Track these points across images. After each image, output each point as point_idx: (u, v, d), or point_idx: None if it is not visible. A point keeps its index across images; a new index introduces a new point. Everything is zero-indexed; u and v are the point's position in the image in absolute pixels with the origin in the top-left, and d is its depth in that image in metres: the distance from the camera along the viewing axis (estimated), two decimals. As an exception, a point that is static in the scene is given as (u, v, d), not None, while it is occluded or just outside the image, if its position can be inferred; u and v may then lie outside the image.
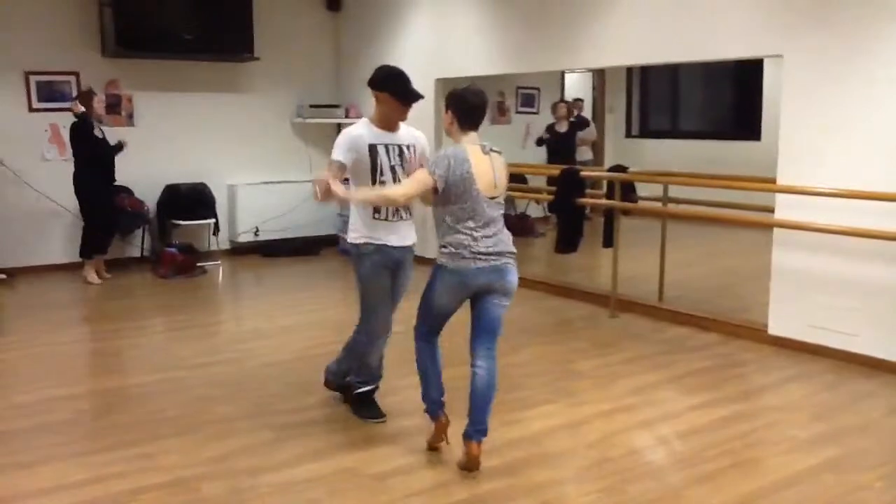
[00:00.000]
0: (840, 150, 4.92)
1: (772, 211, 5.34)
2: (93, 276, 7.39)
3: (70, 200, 7.68)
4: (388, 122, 3.90)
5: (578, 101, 10.62)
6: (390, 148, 3.89)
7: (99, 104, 7.24)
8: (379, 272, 3.94)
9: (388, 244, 3.93)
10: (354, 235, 3.96)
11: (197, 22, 8.17)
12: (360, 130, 3.88)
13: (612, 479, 3.46)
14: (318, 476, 3.49)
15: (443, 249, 3.54)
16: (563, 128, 9.51)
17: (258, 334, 5.82)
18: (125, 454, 3.70)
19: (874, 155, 4.76)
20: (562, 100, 10.04)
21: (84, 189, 7.26)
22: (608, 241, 6.32)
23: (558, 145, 9.38)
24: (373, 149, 3.85)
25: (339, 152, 3.83)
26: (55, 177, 7.68)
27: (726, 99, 11.36)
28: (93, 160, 7.15)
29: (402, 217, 3.97)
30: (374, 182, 3.85)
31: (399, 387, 4.53)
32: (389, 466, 3.58)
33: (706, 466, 3.57)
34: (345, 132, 3.90)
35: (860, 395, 4.48)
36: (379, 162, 3.86)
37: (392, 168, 3.88)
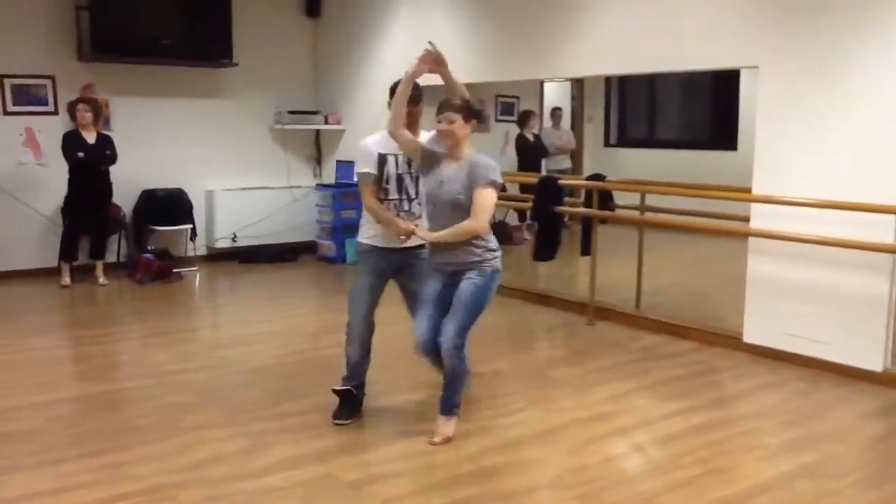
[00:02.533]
0: (814, 160, 4.97)
1: (747, 220, 5.38)
2: (64, 280, 7.37)
3: (44, 205, 7.67)
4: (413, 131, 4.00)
5: (558, 109, 10.66)
6: (399, 158, 4.01)
7: (82, 113, 7.21)
8: (366, 271, 4.10)
9: (386, 246, 4.04)
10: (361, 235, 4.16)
11: (175, 27, 8.14)
12: (373, 140, 4.06)
13: (588, 486, 3.47)
14: (294, 483, 3.46)
15: (493, 252, 3.80)
16: (531, 137, 9.68)
17: (235, 341, 5.79)
18: (98, 462, 3.66)
19: (848, 165, 4.82)
20: (531, 110, 10.11)
21: (66, 194, 7.42)
22: (586, 249, 6.34)
23: (529, 154, 9.56)
24: (382, 158, 4.01)
25: (364, 165, 4.02)
26: (30, 181, 7.65)
27: (703, 109, 11.45)
28: (72, 169, 7.26)
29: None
30: (379, 189, 4.02)
31: (370, 394, 4.53)
32: (366, 474, 3.57)
33: (681, 473, 3.59)
34: (365, 143, 4.08)
35: (833, 401, 4.52)
36: (386, 171, 4.01)
37: (399, 177, 4.03)
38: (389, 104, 3.89)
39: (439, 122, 3.73)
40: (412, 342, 3.92)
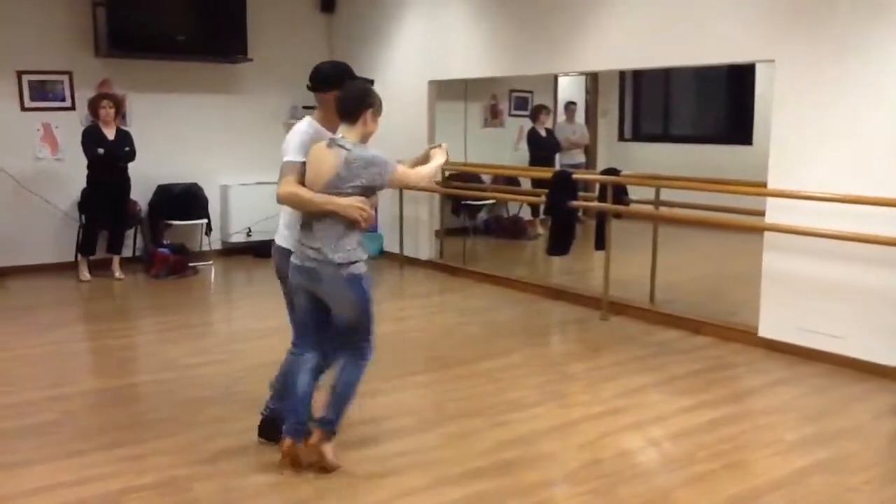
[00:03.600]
0: (830, 154, 4.94)
1: (762, 215, 5.36)
2: (83, 274, 7.43)
3: (61, 200, 7.73)
4: (334, 122, 3.53)
5: (572, 104, 10.63)
6: None
7: (105, 109, 7.27)
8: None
9: None
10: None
11: (191, 23, 8.17)
12: (310, 130, 3.54)
13: (602, 480, 3.47)
14: (309, 477, 3.47)
15: (361, 254, 3.45)
16: (543, 132, 9.66)
17: (250, 335, 5.82)
18: (115, 455, 3.69)
19: (864, 159, 4.78)
20: (544, 105, 10.09)
21: (85, 189, 7.52)
22: (600, 243, 6.33)
23: (541, 149, 9.54)
24: None
25: (296, 153, 3.47)
26: (47, 176, 7.71)
27: (718, 103, 11.39)
28: (91, 164, 7.29)
29: None
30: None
31: (387, 389, 4.55)
32: (381, 467, 3.58)
33: (696, 468, 3.58)
34: (298, 131, 3.53)
35: (849, 398, 4.49)
36: None
37: None
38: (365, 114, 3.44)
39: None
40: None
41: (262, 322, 6.17)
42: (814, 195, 4.91)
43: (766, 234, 5.34)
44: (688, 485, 3.43)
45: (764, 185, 5.32)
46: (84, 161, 7.27)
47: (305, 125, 3.58)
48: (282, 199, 3.47)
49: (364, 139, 3.46)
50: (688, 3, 5.62)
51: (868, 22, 4.71)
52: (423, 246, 8.17)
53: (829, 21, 4.88)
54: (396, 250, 8.37)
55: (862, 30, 4.74)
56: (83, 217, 7.62)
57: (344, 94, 3.45)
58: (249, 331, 5.97)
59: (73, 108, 7.73)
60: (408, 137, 8.07)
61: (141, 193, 8.01)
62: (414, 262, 8.25)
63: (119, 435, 3.93)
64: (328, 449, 3.50)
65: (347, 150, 3.36)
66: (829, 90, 4.91)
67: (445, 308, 6.76)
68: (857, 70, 4.78)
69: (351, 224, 3.38)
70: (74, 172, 7.46)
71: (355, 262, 3.41)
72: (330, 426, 3.51)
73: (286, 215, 3.64)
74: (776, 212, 5.21)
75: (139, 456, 3.68)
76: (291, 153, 3.48)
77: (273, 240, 3.73)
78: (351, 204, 3.34)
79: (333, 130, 3.50)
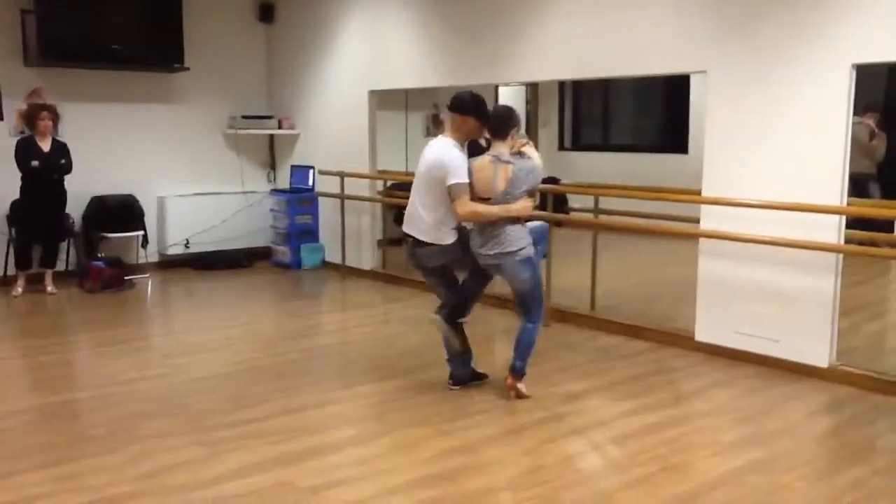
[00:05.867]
0: (761, 162, 5.09)
1: (698, 222, 5.49)
2: (17, 289, 7.23)
3: (-9, 213, 7.52)
4: (463, 140, 4.42)
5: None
6: None
7: (45, 121, 7.11)
8: None
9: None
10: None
11: (125, 31, 8.01)
12: (462, 151, 4.36)
13: (546, 485, 3.51)
14: (252, 490, 3.44)
15: (529, 241, 4.35)
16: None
17: (189, 349, 5.73)
18: (51, 474, 3.60)
19: (794, 167, 4.94)
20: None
21: (16, 202, 7.33)
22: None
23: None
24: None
25: (465, 174, 4.28)
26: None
27: (655, 113, 11.64)
28: (25, 177, 7.11)
29: None
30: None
31: (331, 399, 4.53)
32: (324, 479, 3.56)
33: (637, 471, 3.65)
34: (459, 155, 4.31)
35: (782, 398, 4.63)
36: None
37: None
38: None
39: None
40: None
41: (202, 335, 6.08)
42: (746, 202, 5.05)
43: (701, 240, 5.47)
44: (629, 487, 3.49)
45: (699, 192, 5.45)
46: (13, 172, 7.05)
47: (457, 148, 4.36)
48: (466, 218, 4.32)
49: (512, 150, 4.35)
50: (625, 16, 5.74)
51: (792, 34, 4.86)
52: (365, 256, 8.16)
53: (757, 34, 5.03)
54: (338, 261, 8.33)
55: (787, 41, 4.89)
56: (13, 231, 7.41)
57: (497, 115, 4.44)
58: (189, 344, 5.87)
59: (0, 118, 7.52)
60: (348, 147, 8.09)
61: (75, 205, 7.79)
62: (356, 272, 8.23)
63: (58, 452, 3.83)
64: (521, 386, 4.54)
65: (512, 163, 4.29)
66: (759, 100, 5.07)
67: (389, 318, 6.76)
68: (784, 80, 4.93)
69: (517, 220, 4.29)
70: (3, 185, 7.25)
71: (525, 247, 4.30)
72: (520, 370, 4.53)
73: (437, 213, 4.36)
74: (710, 219, 5.35)
75: (78, 473, 3.60)
76: (462, 175, 4.27)
77: (422, 240, 4.44)
78: (523, 206, 4.29)
79: (462, 146, 4.38)
